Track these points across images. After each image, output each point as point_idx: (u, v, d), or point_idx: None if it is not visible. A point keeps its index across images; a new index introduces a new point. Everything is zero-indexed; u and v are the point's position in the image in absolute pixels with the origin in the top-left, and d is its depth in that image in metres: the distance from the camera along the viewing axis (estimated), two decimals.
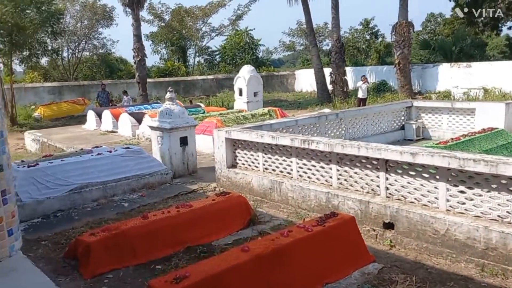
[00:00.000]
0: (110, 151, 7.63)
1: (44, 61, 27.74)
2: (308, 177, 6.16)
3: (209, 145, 10.14)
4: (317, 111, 18.08)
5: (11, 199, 1.46)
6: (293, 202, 6.21)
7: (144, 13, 28.20)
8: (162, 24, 33.30)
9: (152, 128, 8.33)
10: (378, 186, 5.34)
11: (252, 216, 5.85)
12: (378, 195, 5.33)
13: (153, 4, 31.49)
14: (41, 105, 19.87)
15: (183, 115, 8.22)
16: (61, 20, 21.56)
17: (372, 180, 5.41)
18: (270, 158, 6.65)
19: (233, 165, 7.27)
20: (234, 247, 5.12)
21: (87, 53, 30.79)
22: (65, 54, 29.36)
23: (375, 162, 5.34)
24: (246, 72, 14.94)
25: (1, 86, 14.58)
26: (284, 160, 6.45)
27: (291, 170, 6.37)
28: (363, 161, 5.46)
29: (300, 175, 6.26)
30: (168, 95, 8.36)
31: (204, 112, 13.04)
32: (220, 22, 36.09)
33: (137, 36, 21.96)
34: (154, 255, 4.89)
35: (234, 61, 35.38)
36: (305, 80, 29.96)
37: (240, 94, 14.99)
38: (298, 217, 6.02)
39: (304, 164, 6.18)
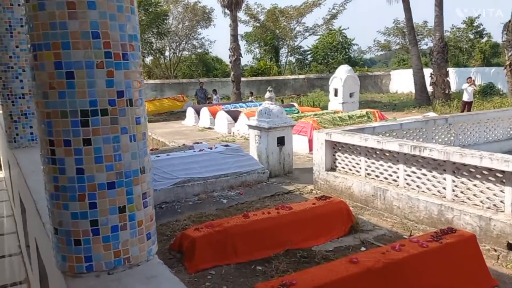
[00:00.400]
0: (211, 148, 7.83)
1: (148, 60, 29.79)
2: (417, 186, 5.72)
3: (304, 145, 10.00)
4: (414, 113, 17.04)
5: (150, 202, 1.41)
6: (398, 211, 5.81)
7: (240, 14, 28.90)
8: (257, 24, 33.84)
9: (250, 126, 8.40)
10: (502, 201, 4.76)
11: (354, 223, 5.59)
12: (502, 211, 4.75)
13: (250, 4, 32.15)
14: (145, 101, 21.26)
15: (282, 115, 8.16)
16: (166, 21, 22.89)
17: (494, 194, 4.83)
18: (373, 163, 6.30)
19: (332, 168, 7.03)
20: (335, 254, 4.95)
21: (187, 53, 32.41)
22: (167, 54, 31.20)
23: (499, 175, 4.76)
24: (343, 72, 14.52)
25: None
26: (389, 166, 6.06)
27: (397, 177, 5.97)
28: (485, 172, 4.91)
29: (407, 184, 5.84)
30: (267, 94, 8.36)
31: (298, 112, 12.92)
32: (314, 22, 35.70)
33: (234, 36, 22.54)
34: (255, 255, 4.86)
35: (325, 61, 34.83)
36: (400, 81, 28.48)
37: (336, 94, 14.60)
38: (404, 228, 5.62)
39: (413, 172, 5.75)
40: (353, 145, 6.51)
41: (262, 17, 33.61)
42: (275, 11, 32.80)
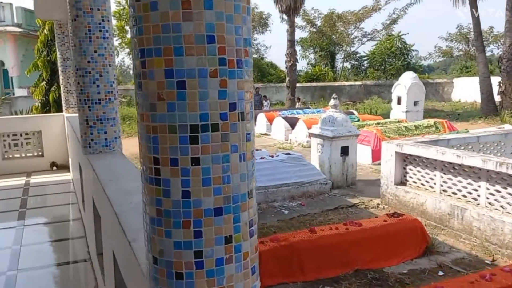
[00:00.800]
0: (272, 156, 7.64)
1: None
2: (502, 206, 5.19)
3: (366, 156, 9.57)
4: (481, 124, 16.05)
5: (255, 230, 1.22)
6: (478, 233, 5.31)
7: (297, 19, 28.69)
8: (313, 29, 33.46)
9: (313, 135, 8.13)
10: None
11: (429, 244, 5.16)
12: None
13: (307, 10, 31.82)
14: None
15: (346, 124, 7.83)
16: None
17: None
18: (450, 179, 5.82)
19: (401, 182, 6.60)
20: (410, 278, 4.56)
21: None
22: None
23: None
24: (407, 79, 13.87)
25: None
26: (469, 183, 5.57)
27: (478, 195, 5.46)
28: None
29: (490, 203, 5.33)
30: (331, 102, 8.06)
31: (358, 120, 12.44)
32: (373, 27, 34.71)
33: (291, 42, 22.37)
34: (322, 274, 4.59)
35: (383, 67, 33.79)
36: (464, 89, 26.99)
37: (399, 102, 13.97)
38: (485, 252, 5.12)
39: (497, 191, 5.23)
40: (427, 158, 6.06)
41: (318, 22, 33.19)
42: (333, 16, 32.27)
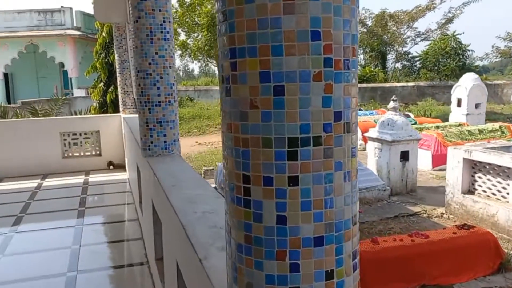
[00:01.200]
0: None
1: None
2: None
3: (426, 161, 9.05)
4: None
5: (358, 263, 1.08)
6: None
7: None
8: (364, 30, 32.56)
9: (370, 138, 7.77)
10: None
11: (504, 260, 4.72)
12: None
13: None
14: None
15: (407, 127, 7.41)
16: None
17: None
18: None
19: (469, 190, 6.13)
20: None
21: None
22: None
23: None
24: (468, 80, 13.07)
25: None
26: None
27: None
28: None
29: None
30: (391, 104, 7.67)
31: (415, 123, 11.82)
32: (427, 26, 33.14)
33: None
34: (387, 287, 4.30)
35: (436, 68, 32.27)
36: None
37: (459, 105, 13.18)
38: None
39: None
40: (500, 166, 5.57)
41: (369, 22, 32.26)
42: (384, 15, 31.23)
